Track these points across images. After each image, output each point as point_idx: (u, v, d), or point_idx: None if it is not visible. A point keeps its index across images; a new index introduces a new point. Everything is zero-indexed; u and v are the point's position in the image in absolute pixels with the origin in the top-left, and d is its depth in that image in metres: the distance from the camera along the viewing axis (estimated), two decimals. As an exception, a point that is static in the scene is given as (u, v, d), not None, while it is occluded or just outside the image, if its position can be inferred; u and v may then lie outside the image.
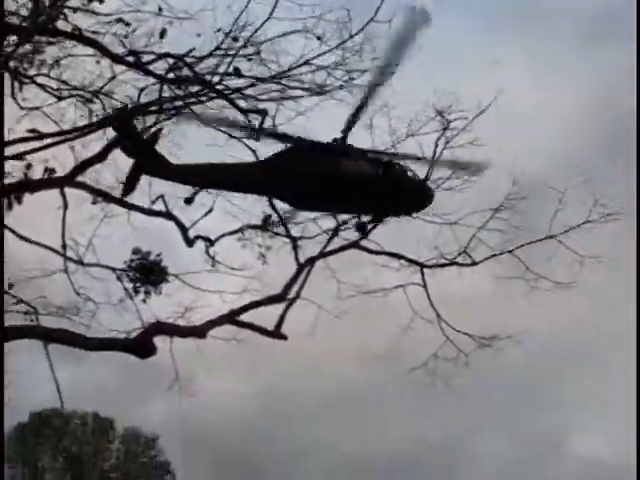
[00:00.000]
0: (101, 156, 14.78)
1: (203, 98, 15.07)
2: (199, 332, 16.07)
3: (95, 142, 15.27)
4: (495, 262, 18.63)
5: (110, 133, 15.12)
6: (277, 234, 18.31)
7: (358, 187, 16.63)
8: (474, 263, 18.66)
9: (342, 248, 18.31)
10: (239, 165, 16.83)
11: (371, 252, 18.54)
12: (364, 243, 18.40)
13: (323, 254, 18.08)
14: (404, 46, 14.88)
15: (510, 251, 18.55)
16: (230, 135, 16.48)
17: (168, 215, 17.27)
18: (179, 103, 15.08)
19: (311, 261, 18.00)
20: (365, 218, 17.95)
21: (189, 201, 17.21)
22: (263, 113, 15.30)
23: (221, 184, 16.88)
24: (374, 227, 18.04)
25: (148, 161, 15.64)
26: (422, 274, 18.72)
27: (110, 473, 60.70)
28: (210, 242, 18.04)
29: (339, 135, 17.02)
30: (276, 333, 17.25)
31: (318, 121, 15.89)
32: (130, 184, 16.02)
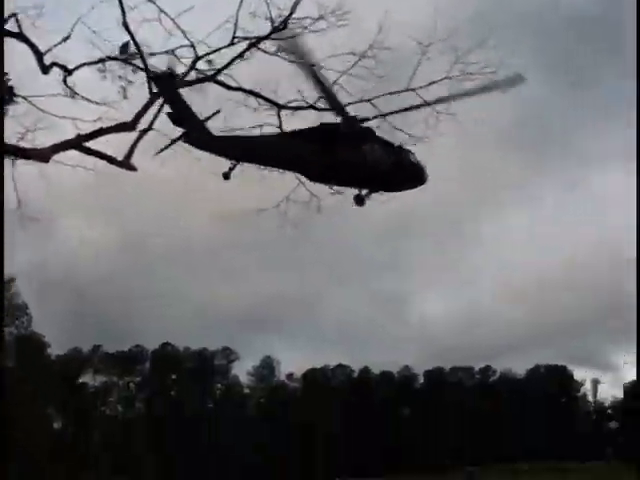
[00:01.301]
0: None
1: None
2: (43, 155, 16.05)
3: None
4: (354, 108, 18.70)
5: None
6: (137, 67, 18.11)
7: (372, 171, 18.65)
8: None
9: (199, 80, 18.22)
10: (272, 139, 18.43)
11: (229, 88, 18.42)
12: (224, 79, 18.29)
13: (178, 84, 17.81)
14: None
15: (369, 100, 18.71)
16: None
17: (21, 37, 16.88)
18: None
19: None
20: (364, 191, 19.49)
21: (227, 176, 18.07)
22: None
23: (256, 158, 18.31)
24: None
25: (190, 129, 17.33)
26: (279, 116, 18.85)
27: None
28: (68, 71, 17.69)
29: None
30: (125, 163, 17.24)
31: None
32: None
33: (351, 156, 18.34)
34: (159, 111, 17.66)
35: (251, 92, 18.66)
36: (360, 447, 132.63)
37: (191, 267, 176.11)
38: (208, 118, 17.78)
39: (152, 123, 17.53)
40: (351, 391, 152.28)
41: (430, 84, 18.57)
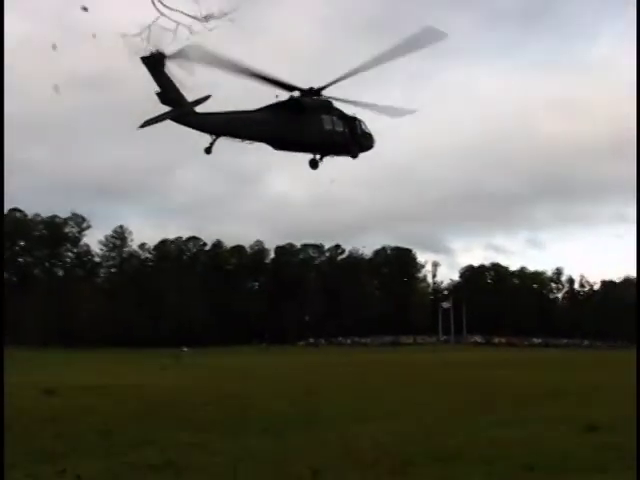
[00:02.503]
0: None
1: None
2: None
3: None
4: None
5: None
6: None
7: (329, 138, 20.99)
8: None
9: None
10: (244, 115, 19.90)
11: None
12: None
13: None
14: None
15: None
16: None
17: None
18: None
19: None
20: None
21: (208, 151, 19.10)
22: None
23: (231, 133, 19.63)
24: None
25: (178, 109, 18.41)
26: None
27: None
28: None
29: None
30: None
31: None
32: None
33: (311, 125, 20.70)
34: None
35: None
36: (208, 318, 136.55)
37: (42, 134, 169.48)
38: (198, 102, 18.68)
39: None
40: (203, 263, 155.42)
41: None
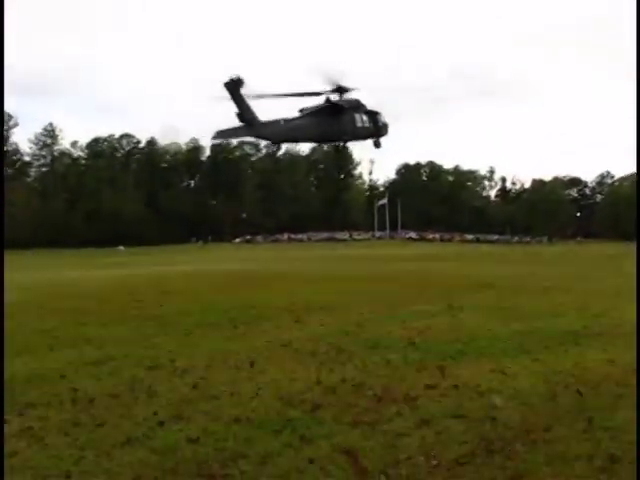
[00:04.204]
0: None
1: None
2: None
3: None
4: None
5: None
6: None
7: (362, 133, 27.04)
8: None
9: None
10: (297, 122, 26.84)
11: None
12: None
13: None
14: None
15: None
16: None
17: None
18: None
19: None
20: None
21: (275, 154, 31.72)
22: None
23: (289, 139, 28.84)
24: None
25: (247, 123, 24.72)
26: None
27: None
28: None
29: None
30: None
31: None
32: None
33: (347, 124, 26.10)
34: None
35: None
36: (144, 217, 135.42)
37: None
38: (266, 123, 25.70)
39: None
40: (137, 161, 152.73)
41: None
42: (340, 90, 25.34)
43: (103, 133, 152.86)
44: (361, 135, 26.57)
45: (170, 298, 20.70)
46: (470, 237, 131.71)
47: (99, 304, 19.33)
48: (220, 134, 25.82)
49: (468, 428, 7.07)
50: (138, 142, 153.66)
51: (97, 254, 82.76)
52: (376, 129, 26.86)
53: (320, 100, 26.57)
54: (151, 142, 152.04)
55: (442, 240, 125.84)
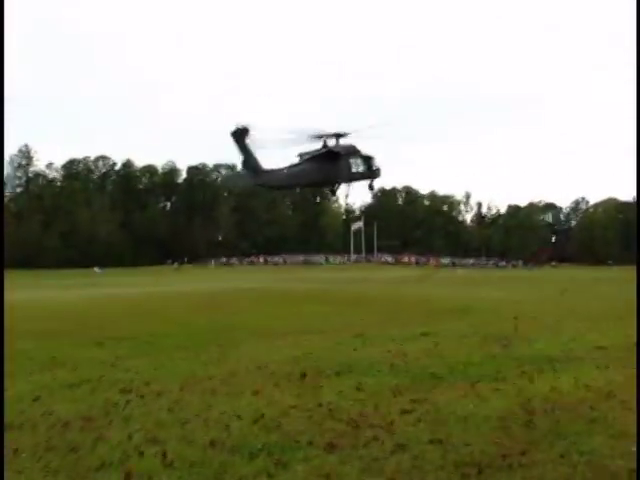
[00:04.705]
0: None
1: None
2: None
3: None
4: None
5: None
6: None
7: (356, 177, 27.56)
8: None
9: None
10: (296, 168, 26.47)
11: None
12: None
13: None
14: None
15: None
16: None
17: None
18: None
19: None
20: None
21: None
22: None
23: (288, 186, 30.14)
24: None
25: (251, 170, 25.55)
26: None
27: None
28: None
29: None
30: None
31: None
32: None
33: (344, 170, 26.78)
34: None
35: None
36: (119, 238, 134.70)
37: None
38: (270, 171, 25.75)
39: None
40: (113, 182, 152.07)
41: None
42: (337, 135, 26.44)
43: (79, 155, 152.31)
44: (356, 179, 27.42)
45: (145, 319, 20.56)
46: (446, 261, 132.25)
47: (74, 326, 19.14)
48: (224, 181, 26.96)
49: (444, 453, 7.07)
50: (114, 164, 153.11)
51: (72, 275, 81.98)
52: (370, 173, 27.68)
53: (317, 144, 26.63)
54: (127, 164, 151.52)
55: (417, 263, 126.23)
